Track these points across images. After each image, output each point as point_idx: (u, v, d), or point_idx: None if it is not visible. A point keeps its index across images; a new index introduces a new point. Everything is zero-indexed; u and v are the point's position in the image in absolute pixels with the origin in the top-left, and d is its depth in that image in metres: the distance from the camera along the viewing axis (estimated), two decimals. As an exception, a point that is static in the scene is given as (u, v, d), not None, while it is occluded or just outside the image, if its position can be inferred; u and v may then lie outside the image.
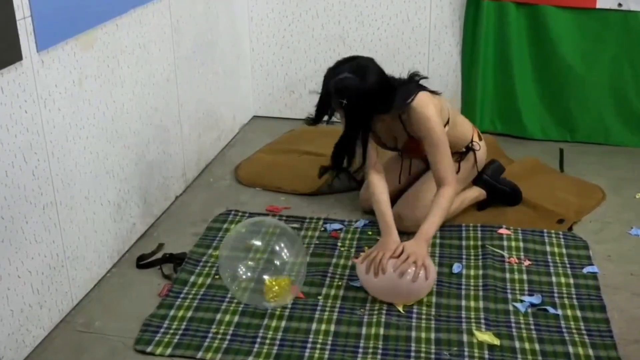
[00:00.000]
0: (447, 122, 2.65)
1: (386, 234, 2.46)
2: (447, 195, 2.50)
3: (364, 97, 2.36)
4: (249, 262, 2.30)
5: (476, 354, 2.12)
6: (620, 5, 3.36)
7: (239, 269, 2.29)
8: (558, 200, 2.97)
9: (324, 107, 2.45)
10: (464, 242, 2.69)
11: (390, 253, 2.36)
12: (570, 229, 2.80)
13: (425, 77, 2.60)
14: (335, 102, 2.38)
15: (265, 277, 2.29)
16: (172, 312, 2.31)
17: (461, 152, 2.81)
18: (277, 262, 2.30)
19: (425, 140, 2.53)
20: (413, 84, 2.55)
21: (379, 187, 2.58)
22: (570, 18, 3.45)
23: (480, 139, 2.87)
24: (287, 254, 2.32)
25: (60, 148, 2.22)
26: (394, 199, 2.77)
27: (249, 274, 2.30)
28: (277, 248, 2.32)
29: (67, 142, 2.26)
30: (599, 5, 3.39)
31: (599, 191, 3.07)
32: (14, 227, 2.04)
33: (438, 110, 2.55)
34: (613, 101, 3.53)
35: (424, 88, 2.57)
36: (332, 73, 2.41)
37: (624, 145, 3.56)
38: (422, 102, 2.51)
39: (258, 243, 2.33)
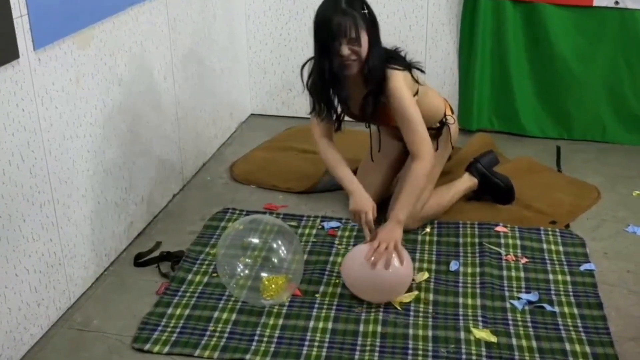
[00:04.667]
0: (417, 93, 2.57)
1: (355, 193, 2.44)
2: (420, 171, 2.42)
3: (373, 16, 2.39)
4: (247, 260, 2.30)
5: (473, 352, 2.12)
6: (617, 3, 3.37)
7: (237, 267, 2.30)
8: (552, 200, 2.97)
9: (325, 56, 2.37)
10: (461, 240, 2.69)
11: (371, 211, 2.36)
12: (567, 226, 2.80)
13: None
14: (346, 20, 2.31)
15: (263, 274, 2.29)
16: (169, 310, 2.31)
17: (436, 128, 2.73)
18: (275, 260, 2.30)
19: (397, 112, 2.46)
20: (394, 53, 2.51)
21: (332, 152, 2.55)
22: (567, 16, 3.45)
23: (452, 113, 2.80)
24: (285, 252, 2.32)
25: (57, 146, 2.22)
26: (381, 196, 2.77)
27: (246, 271, 2.30)
28: (275, 245, 2.32)
29: (65, 140, 2.26)
30: (596, 3, 3.39)
31: (594, 191, 3.07)
32: (11, 226, 2.04)
33: (408, 83, 2.49)
34: (610, 99, 3.54)
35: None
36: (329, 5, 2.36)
37: (620, 142, 3.57)
38: (398, 78, 2.45)
39: (255, 241, 2.33)
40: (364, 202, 2.41)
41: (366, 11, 2.36)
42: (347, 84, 2.47)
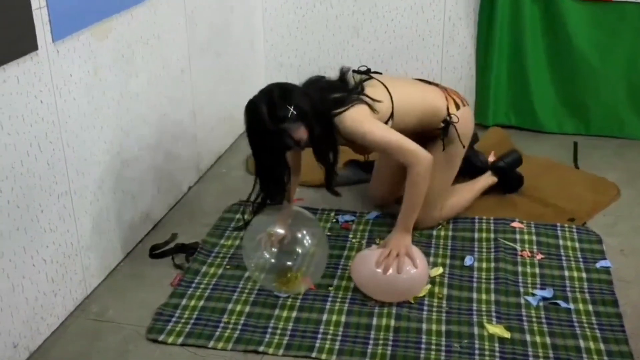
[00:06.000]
0: (391, 116, 2.45)
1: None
2: (415, 176, 2.33)
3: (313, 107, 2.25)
4: (272, 249, 2.33)
5: (487, 347, 2.12)
6: (636, -3, 3.34)
7: (260, 253, 2.32)
8: (571, 196, 2.96)
9: (278, 149, 2.26)
10: (476, 235, 2.69)
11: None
12: (583, 223, 2.79)
13: (366, 70, 2.52)
14: (289, 120, 2.19)
15: (289, 263, 2.32)
16: (183, 302, 2.33)
17: (440, 128, 2.55)
18: (300, 250, 2.32)
19: (368, 146, 2.41)
20: (349, 96, 2.37)
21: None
22: (585, 9, 3.43)
23: (457, 108, 2.58)
24: (309, 243, 2.33)
25: (75, 137, 2.24)
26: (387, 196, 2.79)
27: (270, 258, 2.32)
28: (299, 236, 2.33)
29: (82, 131, 2.28)
30: (615, -3, 3.37)
31: (613, 188, 3.04)
32: (29, 216, 2.06)
33: (369, 115, 2.37)
34: (628, 94, 3.51)
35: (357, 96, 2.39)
36: (259, 104, 2.22)
37: (639, 138, 3.54)
38: (351, 118, 2.32)
39: (280, 231, 2.34)
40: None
41: (291, 109, 2.20)
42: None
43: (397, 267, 2.28)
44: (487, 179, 2.90)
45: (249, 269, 2.37)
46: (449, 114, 2.55)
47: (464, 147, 2.62)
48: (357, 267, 2.37)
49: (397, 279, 2.28)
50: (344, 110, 2.32)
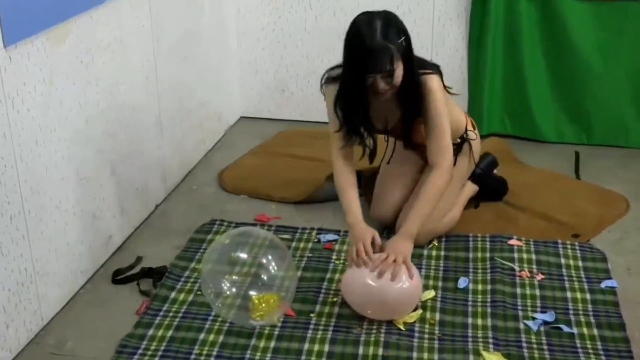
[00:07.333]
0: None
1: (356, 223, 2.46)
2: (436, 183, 2.50)
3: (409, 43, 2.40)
4: (234, 277, 2.31)
5: (484, 377, 2.13)
6: (640, -6, 3.39)
7: (223, 285, 2.31)
8: (575, 210, 2.99)
9: (354, 83, 2.39)
10: (470, 254, 2.71)
11: (370, 239, 2.38)
12: (587, 239, 2.81)
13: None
14: (382, 54, 2.31)
15: (252, 293, 2.30)
16: (150, 332, 2.32)
17: (457, 144, 2.78)
18: (265, 277, 2.32)
19: (427, 114, 2.52)
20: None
21: (345, 176, 2.57)
22: (586, 9, 3.48)
23: (474, 128, 2.88)
24: (276, 268, 2.33)
25: (29, 152, 2.24)
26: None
27: (234, 289, 2.31)
28: (265, 261, 2.33)
29: (37, 145, 2.28)
30: (617, -5, 3.42)
31: (622, 201, 3.07)
32: (-22, 239, 2.05)
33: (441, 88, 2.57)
34: (633, 100, 3.56)
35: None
36: (364, 25, 2.36)
37: (645, 147, 3.59)
38: (437, 81, 2.54)
39: (244, 256, 2.34)
40: (364, 232, 2.42)
41: (403, 39, 2.36)
42: (376, 102, 2.53)
43: (392, 274, 2.29)
44: (469, 189, 2.96)
45: (211, 302, 2.34)
46: (466, 131, 2.80)
47: (475, 165, 2.89)
48: (349, 276, 2.38)
49: (390, 289, 2.29)
50: (432, 73, 2.52)
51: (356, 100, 2.45)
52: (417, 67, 2.48)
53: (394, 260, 2.32)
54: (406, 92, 2.46)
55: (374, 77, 2.35)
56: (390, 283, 2.29)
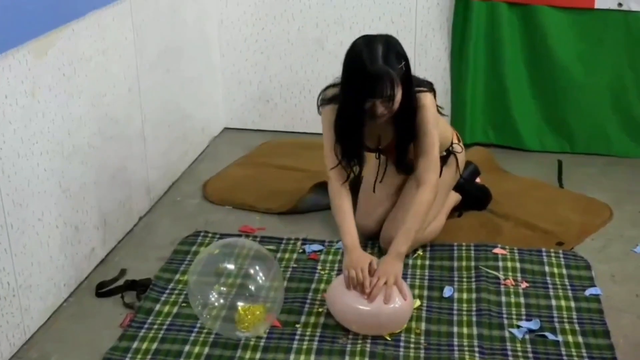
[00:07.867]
0: None
1: (354, 248, 2.46)
2: (424, 199, 2.51)
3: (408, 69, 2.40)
4: (221, 288, 2.31)
5: (470, 385, 2.13)
6: (620, 5, 3.42)
7: (210, 295, 2.30)
8: (559, 218, 3.00)
9: (354, 109, 2.39)
10: (455, 263, 2.71)
11: (367, 268, 2.36)
12: (571, 247, 2.83)
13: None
14: (383, 80, 2.30)
15: (239, 304, 2.29)
16: (135, 345, 2.31)
17: (442, 157, 2.77)
18: (252, 287, 2.31)
19: (419, 128, 2.53)
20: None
21: (341, 198, 2.55)
22: (567, 19, 3.51)
23: (459, 141, 2.90)
24: (263, 278, 2.33)
25: (11, 165, 2.22)
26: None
27: (220, 300, 2.30)
28: (252, 271, 2.32)
29: (19, 158, 2.26)
30: (597, 6, 3.45)
31: (605, 208, 3.10)
32: (-41, 253, 2.04)
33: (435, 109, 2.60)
34: (614, 108, 3.59)
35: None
36: (365, 51, 2.34)
37: (626, 156, 3.61)
38: (430, 99, 2.56)
39: (230, 266, 2.33)
40: (361, 258, 2.41)
41: (403, 64, 2.36)
42: (372, 123, 2.52)
43: (385, 296, 2.29)
44: (452, 198, 2.97)
45: (198, 313, 2.33)
46: (452, 144, 2.82)
47: (460, 176, 2.90)
48: (335, 292, 2.37)
49: (381, 310, 2.29)
50: (427, 91, 2.55)
51: (353, 122, 2.45)
52: (415, 97, 2.48)
53: (385, 282, 2.32)
54: (403, 114, 2.46)
55: (374, 101, 2.35)
56: (382, 305, 2.29)
